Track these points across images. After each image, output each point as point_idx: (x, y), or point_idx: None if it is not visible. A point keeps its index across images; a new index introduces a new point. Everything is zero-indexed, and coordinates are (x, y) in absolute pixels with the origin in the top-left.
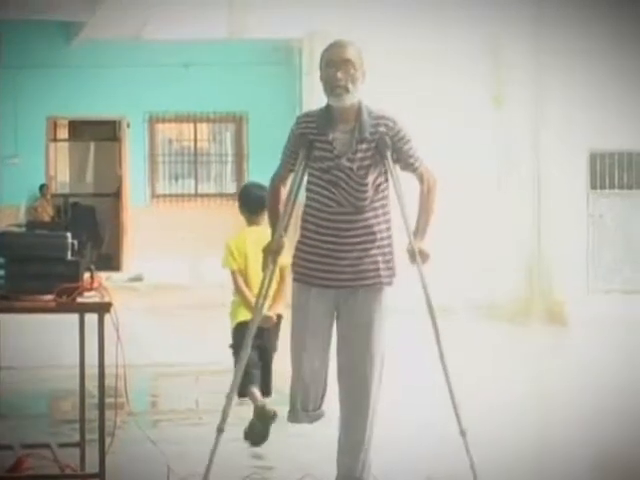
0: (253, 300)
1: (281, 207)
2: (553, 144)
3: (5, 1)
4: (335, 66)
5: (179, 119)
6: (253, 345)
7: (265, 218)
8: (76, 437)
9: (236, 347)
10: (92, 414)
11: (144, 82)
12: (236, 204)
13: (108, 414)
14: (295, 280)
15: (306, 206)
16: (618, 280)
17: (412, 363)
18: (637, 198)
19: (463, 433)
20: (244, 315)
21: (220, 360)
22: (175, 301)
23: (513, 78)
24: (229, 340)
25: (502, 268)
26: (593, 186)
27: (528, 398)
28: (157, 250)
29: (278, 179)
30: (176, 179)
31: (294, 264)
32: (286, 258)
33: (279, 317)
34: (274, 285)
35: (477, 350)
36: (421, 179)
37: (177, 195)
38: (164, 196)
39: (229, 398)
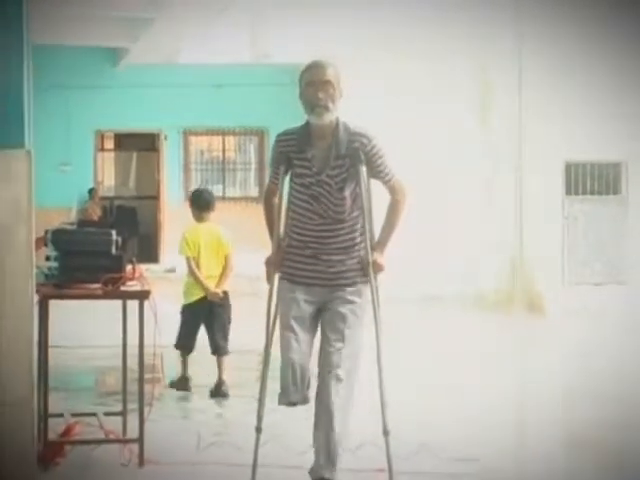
0: (203, 280)
1: (275, 219)
2: (533, 156)
3: (60, 29)
4: (315, 86)
5: (209, 132)
6: (204, 316)
7: (211, 216)
8: (119, 407)
9: (186, 318)
10: (133, 387)
11: (179, 100)
12: (258, 206)
13: (147, 387)
14: (282, 279)
15: (290, 218)
16: (589, 274)
17: (403, 345)
18: (606, 203)
19: (386, 433)
20: (196, 294)
21: (243, 341)
22: None
23: (498, 99)
24: (251, 324)
25: (488, 263)
26: (568, 192)
27: (510, 378)
28: None
29: (269, 193)
30: (206, 184)
31: (283, 265)
32: (229, 248)
33: (226, 293)
34: (220, 269)
35: (464, 335)
36: (392, 191)
37: None
38: None
39: (261, 402)
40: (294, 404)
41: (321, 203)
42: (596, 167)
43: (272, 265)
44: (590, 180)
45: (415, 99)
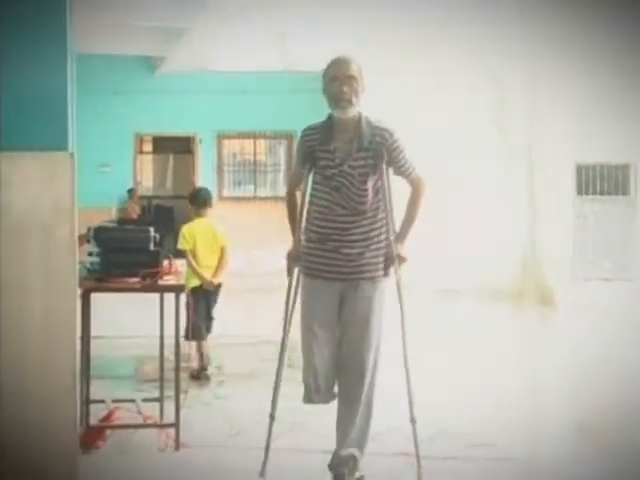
0: (199, 270)
1: (297, 212)
2: (546, 158)
3: (102, 39)
4: (339, 80)
5: (241, 136)
6: (203, 302)
7: (208, 212)
8: (156, 394)
9: (191, 303)
10: (169, 375)
11: (213, 106)
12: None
13: (182, 375)
14: (303, 274)
15: (311, 210)
16: (597, 270)
17: (423, 337)
18: (614, 203)
19: (413, 421)
20: (194, 282)
21: (272, 333)
22: (236, 284)
23: (512, 104)
24: (281, 317)
25: (503, 259)
26: (579, 192)
27: (523, 367)
28: None
29: (293, 187)
30: (239, 185)
31: (303, 259)
32: (224, 240)
33: (219, 284)
34: (217, 261)
35: (481, 326)
36: (412, 183)
37: (239, 198)
38: (229, 198)
39: (276, 390)
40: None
41: (342, 194)
42: (605, 169)
43: (292, 259)
44: (600, 181)
45: (434, 104)
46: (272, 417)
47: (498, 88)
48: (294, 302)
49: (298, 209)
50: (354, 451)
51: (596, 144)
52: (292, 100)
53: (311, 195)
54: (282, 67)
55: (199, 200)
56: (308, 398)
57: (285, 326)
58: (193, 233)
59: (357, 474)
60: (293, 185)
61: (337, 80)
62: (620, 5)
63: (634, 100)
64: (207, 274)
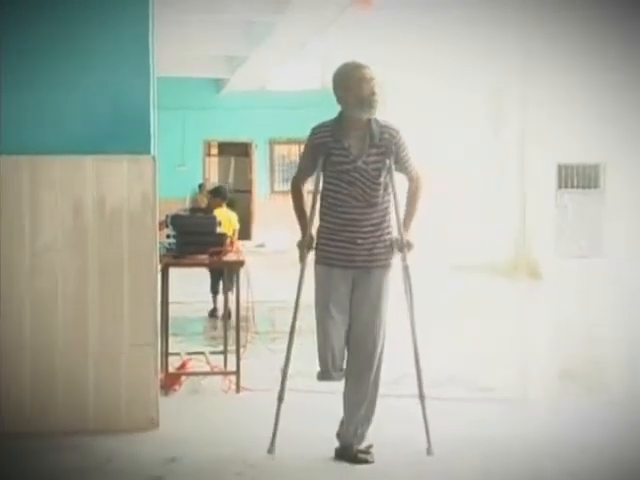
0: None
1: (304, 205)
2: (534, 159)
3: (177, 65)
4: (368, 82)
5: (289, 142)
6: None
7: (223, 204)
8: (221, 348)
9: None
10: (232, 333)
11: (267, 118)
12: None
13: (242, 333)
14: (318, 263)
15: (325, 202)
16: (575, 249)
17: (436, 303)
18: (589, 195)
19: (422, 397)
20: None
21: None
22: (285, 260)
23: (507, 115)
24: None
25: (499, 240)
26: (560, 186)
27: (516, 327)
28: (274, 227)
29: (299, 182)
30: (287, 181)
31: (318, 249)
32: (236, 225)
33: None
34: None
35: (481, 294)
36: (411, 179)
37: (288, 191)
38: (279, 192)
39: (284, 374)
40: (333, 381)
41: (357, 188)
42: (581, 167)
43: (304, 247)
44: (577, 177)
45: (446, 115)
46: (280, 399)
47: (497, 104)
48: (300, 288)
49: (304, 203)
50: (362, 426)
51: (574, 148)
52: (329, 112)
53: (324, 189)
54: (323, 86)
55: (221, 195)
56: (325, 376)
57: (295, 311)
58: None
59: (365, 443)
60: (299, 179)
61: (366, 82)
62: (608, 16)
63: (606, 112)
64: None
